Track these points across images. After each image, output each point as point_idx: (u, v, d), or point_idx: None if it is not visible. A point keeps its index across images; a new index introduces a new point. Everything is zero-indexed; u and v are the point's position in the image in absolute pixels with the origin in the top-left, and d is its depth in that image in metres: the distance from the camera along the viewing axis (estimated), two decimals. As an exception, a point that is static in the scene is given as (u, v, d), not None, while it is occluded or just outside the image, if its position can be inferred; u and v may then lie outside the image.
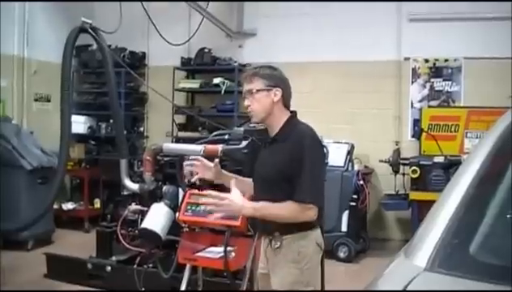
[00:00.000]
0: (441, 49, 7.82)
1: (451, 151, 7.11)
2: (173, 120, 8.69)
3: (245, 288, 3.89)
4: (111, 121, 7.92)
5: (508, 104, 6.48)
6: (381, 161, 7.37)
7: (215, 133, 5.06)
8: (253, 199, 2.94)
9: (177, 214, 4.06)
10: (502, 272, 1.29)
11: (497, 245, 1.43)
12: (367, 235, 7.48)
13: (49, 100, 8.51)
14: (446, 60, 7.92)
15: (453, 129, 7.44)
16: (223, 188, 3.10)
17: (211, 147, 4.48)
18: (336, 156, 6.64)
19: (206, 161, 3.18)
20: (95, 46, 7.02)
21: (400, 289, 1.30)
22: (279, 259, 2.87)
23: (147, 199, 4.79)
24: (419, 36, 7.85)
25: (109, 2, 7.07)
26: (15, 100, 7.99)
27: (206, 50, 8.64)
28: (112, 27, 5.59)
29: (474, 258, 1.35)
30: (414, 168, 6.91)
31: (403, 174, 7.28)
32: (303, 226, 2.82)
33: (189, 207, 3.99)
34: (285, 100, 2.95)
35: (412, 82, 8.09)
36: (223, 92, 8.22)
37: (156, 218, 4.41)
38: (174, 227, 4.33)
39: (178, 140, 8.07)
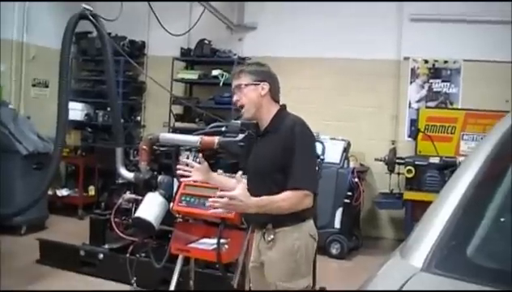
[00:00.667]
0: (441, 50, 7.81)
1: (447, 152, 7.10)
2: (171, 110, 8.67)
3: (236, 281, 3.91)
4: (108, 109, 7.89)
5: (505, 108, 6.50)
6: (376, 159, 7.36)
7: (212, 125, 5.07)
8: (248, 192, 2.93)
9: (172, 204, 4.07)
10: (499, 276, 1.29)
11: (494, 248, 1.43)
12: (360, 233, 7.49)
13: (46, 86, 8.48)
14: (446, 61, 7.92)
15: (449, 130, 7.43)
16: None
17: (207, 138, 4.49)
18: (332, 153, 6.62)
19: (196, 164, 3.17)
20: (95, 33, 6.96)
21: (396, 289, 1.30)
22: (273, 252, 2.88)
23: (142, 188, 4.80)
24: (419, 37, 7.84)
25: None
26: (13, 85, 7.95)
27: (206, 42, 8.60)
28: (112, 15, 5.56)
29: (471, 260, 1.36)
30: (409, 168, 6.91)
31: (398, 174, 7.28)
32: (295, 219, 2.83)
33: (183, 198, 4.00)
34: (273, 94, 2.99)
35: (411, 82, 8.08)
36: (221, 84, 8.20)
37: (150, 208, 4.42)
38: (168, 217, 4.35)
39: (175, 131, 8.04)
